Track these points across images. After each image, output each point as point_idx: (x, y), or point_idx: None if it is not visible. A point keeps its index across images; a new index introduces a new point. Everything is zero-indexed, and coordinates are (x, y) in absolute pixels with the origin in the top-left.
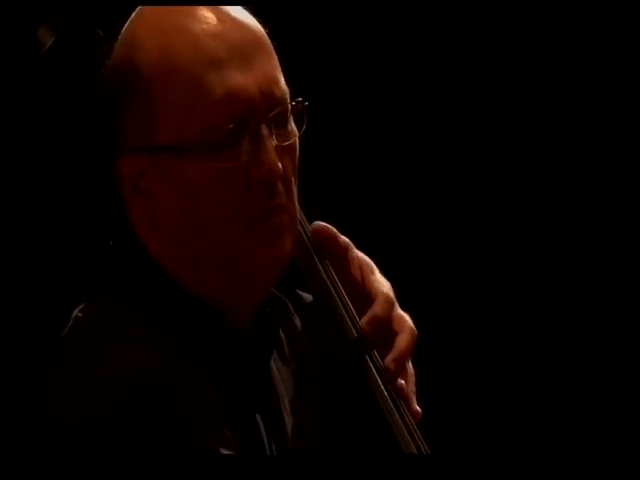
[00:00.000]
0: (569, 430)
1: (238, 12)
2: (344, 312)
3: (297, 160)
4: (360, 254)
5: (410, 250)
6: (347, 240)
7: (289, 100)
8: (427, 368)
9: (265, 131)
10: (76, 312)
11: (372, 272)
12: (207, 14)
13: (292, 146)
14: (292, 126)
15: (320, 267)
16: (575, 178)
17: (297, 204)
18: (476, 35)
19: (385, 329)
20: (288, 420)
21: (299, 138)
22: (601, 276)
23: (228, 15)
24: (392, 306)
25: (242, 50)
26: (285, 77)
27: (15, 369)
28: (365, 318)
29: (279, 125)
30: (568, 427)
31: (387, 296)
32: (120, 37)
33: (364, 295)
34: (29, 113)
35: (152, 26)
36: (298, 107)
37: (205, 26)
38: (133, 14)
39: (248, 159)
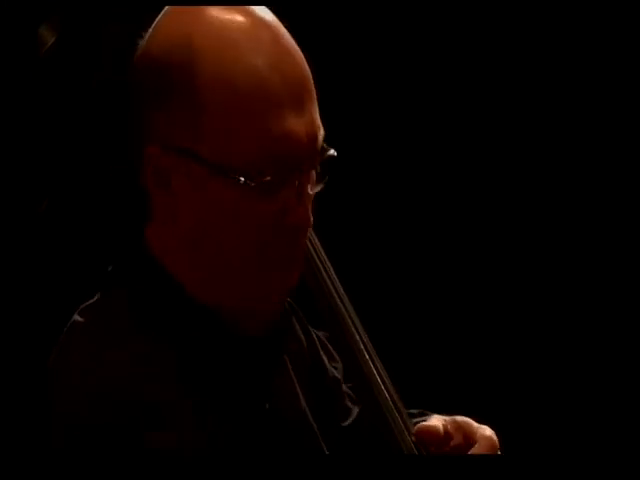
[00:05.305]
0: (569, 430)
1: (291, 41)
2: None
3: None
4: (455, 419)
5: (409, 248)
6: (441, 421)
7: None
8: (428, 368)
9: (306, 180)
10: (75, 317)
11: (470, 425)
12: (264, 36)
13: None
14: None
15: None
16: (575, 178)
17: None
18: (476, 34)
19: None
20: (296, 421)
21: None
22: (601, 276)
23: (284, 45)
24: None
25: (297, 90)
26: None
27: (14, 371)
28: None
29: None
30: (568, 427)
31: (490, 441)
32: (169, 30)
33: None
34: (32, 109)
35: (211, 34)
36: (329, 157)
37: (263, 57)
38: (183, 11)
39: (284, 205)
